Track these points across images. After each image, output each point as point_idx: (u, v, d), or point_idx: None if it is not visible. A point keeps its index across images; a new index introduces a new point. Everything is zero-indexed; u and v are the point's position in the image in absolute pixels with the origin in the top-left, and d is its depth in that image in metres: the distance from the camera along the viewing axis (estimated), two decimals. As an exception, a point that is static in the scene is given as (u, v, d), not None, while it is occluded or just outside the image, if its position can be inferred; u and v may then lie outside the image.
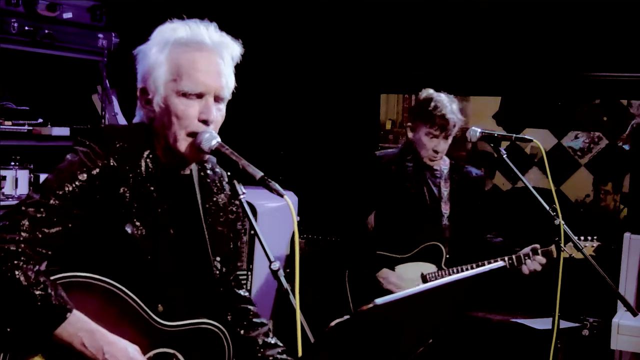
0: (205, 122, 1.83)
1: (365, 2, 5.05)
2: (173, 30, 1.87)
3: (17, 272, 1.64)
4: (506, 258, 3.24)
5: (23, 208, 1.71)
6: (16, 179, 3.64)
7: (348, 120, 5.28)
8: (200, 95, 1.83)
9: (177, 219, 1.91)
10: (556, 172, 4.36)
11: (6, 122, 3.59)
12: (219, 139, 1.82)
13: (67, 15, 3.73)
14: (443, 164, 3.50)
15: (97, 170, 1.78)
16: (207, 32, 1.87)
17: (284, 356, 2.07)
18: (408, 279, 3.34)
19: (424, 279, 3.36)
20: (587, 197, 4.74)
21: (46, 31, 3.61)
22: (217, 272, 2.00)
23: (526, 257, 3.23)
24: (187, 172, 1.96)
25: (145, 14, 4.03)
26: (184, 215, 1.93)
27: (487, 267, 1.71)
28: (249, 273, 4.06)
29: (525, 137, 3.16)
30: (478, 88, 4.95)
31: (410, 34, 5.04)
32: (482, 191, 3.74)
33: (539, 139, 3.12)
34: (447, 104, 3.33)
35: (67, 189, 1.74)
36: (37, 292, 1.65)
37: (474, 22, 4.86)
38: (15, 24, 3.50)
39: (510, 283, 4.35)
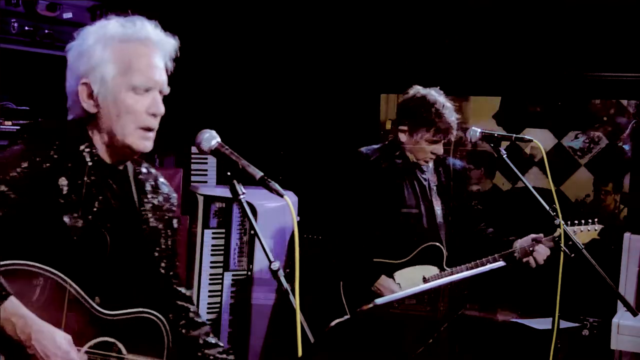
0: (154, 116, 1.89)
1: (365, 2, 5.05)
2: (117, 27, 1.92)
3: None
4: (509, 252, 3.12)
5: None
6: (16, 179, 3.64)
7: (348, 120, 5.28)
8: (147, 90, 1.89)
9: (114, 212, 1.95)
10: (556, 172, 4.35)
11: (6, 122, 3.59)
12: (218, 139, 1.81)
13: (67, 15, 3.73)
14: None
15: (38, 159, 1.82)
16: (151, 28, 1.93)
17: (224, 356, 2.10)
18: (409, 285, 3.11)
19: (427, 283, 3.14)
20: (587, 197, 4.74)
21: (46, 31, 3.61)
22: (159, 268, 2.04)
23: (530, 249, 3.11)
24: (122, 167, 2.00)
25: (145, 14, 4.03)
26: (120, 208, 1.97)
27: (487, 267, 1.71)
28: (249, 273, 4.06)
29: (525, 137, 3.16)
30: (478, 88, 4.95)
31: (410, 34, 5.03)
32: (466, 181, 3.71)
33: (539, 139, 3.13)
34: (446, 105, 3.21)
35: (11, 174, 1.78)
36: None
37: (474, 22, 4.85)
38: (15, 24, 3.50)
39: (510, 283, 4.36)
